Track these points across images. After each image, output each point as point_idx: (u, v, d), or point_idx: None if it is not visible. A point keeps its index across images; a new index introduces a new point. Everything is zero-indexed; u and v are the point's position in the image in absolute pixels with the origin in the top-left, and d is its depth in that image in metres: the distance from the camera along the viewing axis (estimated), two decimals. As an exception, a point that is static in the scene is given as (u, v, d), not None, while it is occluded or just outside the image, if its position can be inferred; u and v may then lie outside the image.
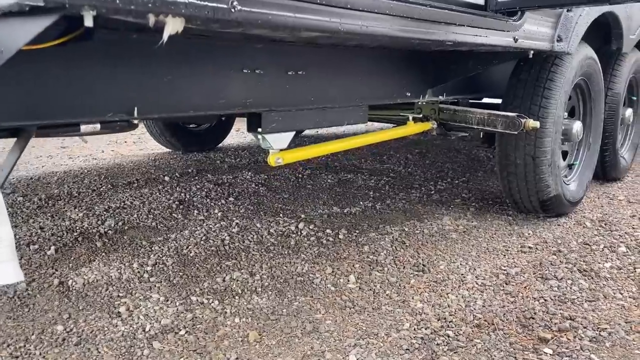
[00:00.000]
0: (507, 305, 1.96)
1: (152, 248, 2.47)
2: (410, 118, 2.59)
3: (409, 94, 2.48)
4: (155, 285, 2.10)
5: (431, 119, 2.63)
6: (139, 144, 5.41)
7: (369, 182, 3.73)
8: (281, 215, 2.99)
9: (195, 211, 3.03)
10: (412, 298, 2.02)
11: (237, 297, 2.02)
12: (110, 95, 1.44)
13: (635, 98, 3.92)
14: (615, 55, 3.40)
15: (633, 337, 1.74)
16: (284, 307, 1.96)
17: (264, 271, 2.25)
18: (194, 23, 1.06)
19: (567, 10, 2.43)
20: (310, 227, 2.77)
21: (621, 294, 2.05)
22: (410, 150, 4.80)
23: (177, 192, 3.41)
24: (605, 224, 2.84)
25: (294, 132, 2.00)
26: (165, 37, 1.02)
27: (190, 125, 4.79)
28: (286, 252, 2.46)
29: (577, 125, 2.93)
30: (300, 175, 3.91)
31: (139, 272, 2.21)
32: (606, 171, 3.65)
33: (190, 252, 2.43)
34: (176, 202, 3.17)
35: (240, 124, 6.57)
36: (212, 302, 1.97)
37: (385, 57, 2.31)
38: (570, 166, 3.15)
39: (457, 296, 2.04)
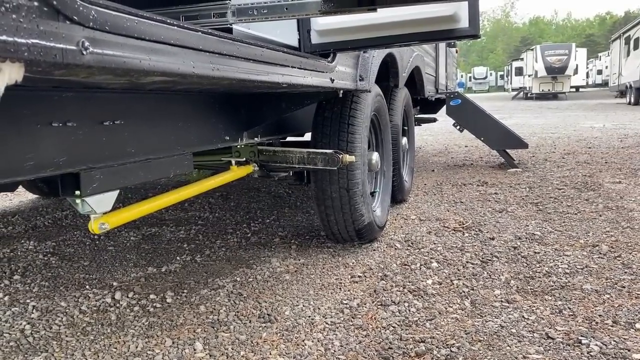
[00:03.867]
0: (363, 340, 1.97)
1: None
2: (233, 162, 2.48)
3: (228, 138, 2.38)
4: (-59, 414, 1.58)
5: (251, 162, 2.56)
6: None
7: (179, 233, 3.47)
8: (88, 287, 2.57)
9: (-29, 300, 2.41)
10: (270, 354, 1.89)
11: (65, 402, 1.63)
12: None
13: (406, 128, 4.44)
14: (391, 91, 3.82)
15: (477, 346, 1.90)
16: (130, 399, 1.65)
17: (90, 359, 1.88)
18: (36, 69, 0.81)
19: (364, 52, 2.63)
20: (130, 296, 2.43)
21: (451, 307, 2.24)
22: (211, 194, 4.64)
23: (-63, 279, 2.68)
24: (411, 244, 3.11)
25: (117, 191, 1.73)
26: (1, 87, 0.75)
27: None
28: (109, 331, 2.10)
29: (375, 156, 3.18)
30: (95, 237, 3.44)
31: None
32: (395, 194, 4.03)
33: (-19, 356, 1.90)
34: (-61, 294, 2.49)
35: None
36: (33, 417, 1.55)
37: (204, 102, 2.17)
38: (372, 194, 3.39)
39: (313, 341, 1.97)
